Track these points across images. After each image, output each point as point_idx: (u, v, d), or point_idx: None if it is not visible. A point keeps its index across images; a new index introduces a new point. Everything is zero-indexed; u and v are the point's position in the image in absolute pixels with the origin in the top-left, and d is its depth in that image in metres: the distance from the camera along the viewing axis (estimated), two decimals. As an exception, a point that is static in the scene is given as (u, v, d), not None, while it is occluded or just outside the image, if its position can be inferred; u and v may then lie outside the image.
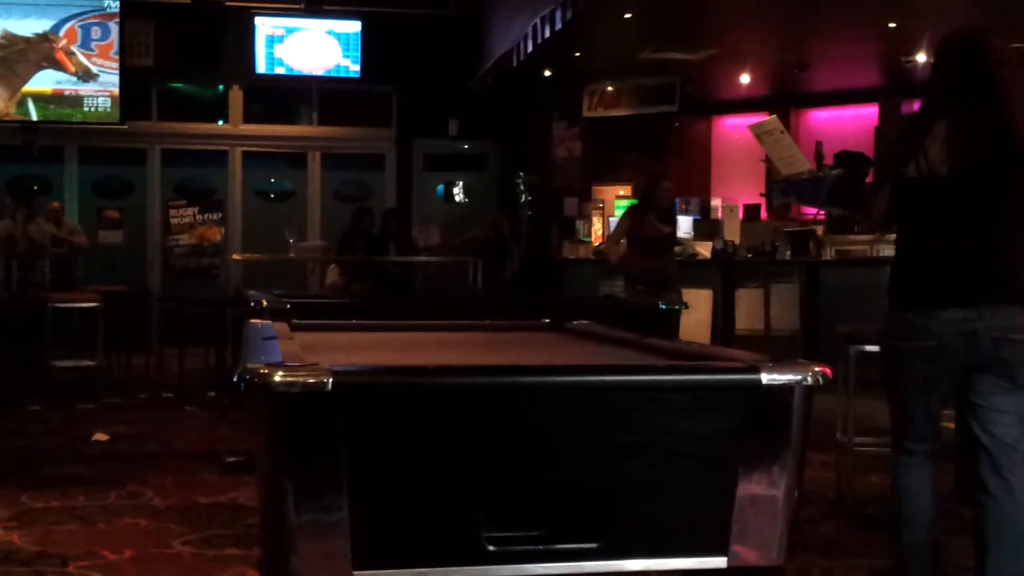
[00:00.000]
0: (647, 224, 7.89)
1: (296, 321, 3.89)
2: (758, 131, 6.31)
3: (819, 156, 10.14)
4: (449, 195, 14.81)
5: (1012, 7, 9.01)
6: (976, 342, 3.27)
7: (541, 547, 2.29)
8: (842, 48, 10.69)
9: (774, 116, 8.20)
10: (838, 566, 4.26)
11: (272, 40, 13.46)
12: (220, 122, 14.08)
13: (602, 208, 12.75)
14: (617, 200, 12.78)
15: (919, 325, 3.34)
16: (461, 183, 14.77)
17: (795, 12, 9.47)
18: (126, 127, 13.07)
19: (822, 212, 8.56)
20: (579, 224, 12.92)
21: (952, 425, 5.55)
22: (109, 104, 12.90)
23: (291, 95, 14.13)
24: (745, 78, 11.82)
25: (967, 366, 3.32)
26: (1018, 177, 3.23)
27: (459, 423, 2.27)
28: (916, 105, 9.99)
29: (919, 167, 3.33)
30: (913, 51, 10.26)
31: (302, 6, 13.53)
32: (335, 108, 14.11)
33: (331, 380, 2.16)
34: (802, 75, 11.37)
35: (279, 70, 13.53)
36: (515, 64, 11.12)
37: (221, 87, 14.02)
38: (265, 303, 4.97)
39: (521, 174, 13.83)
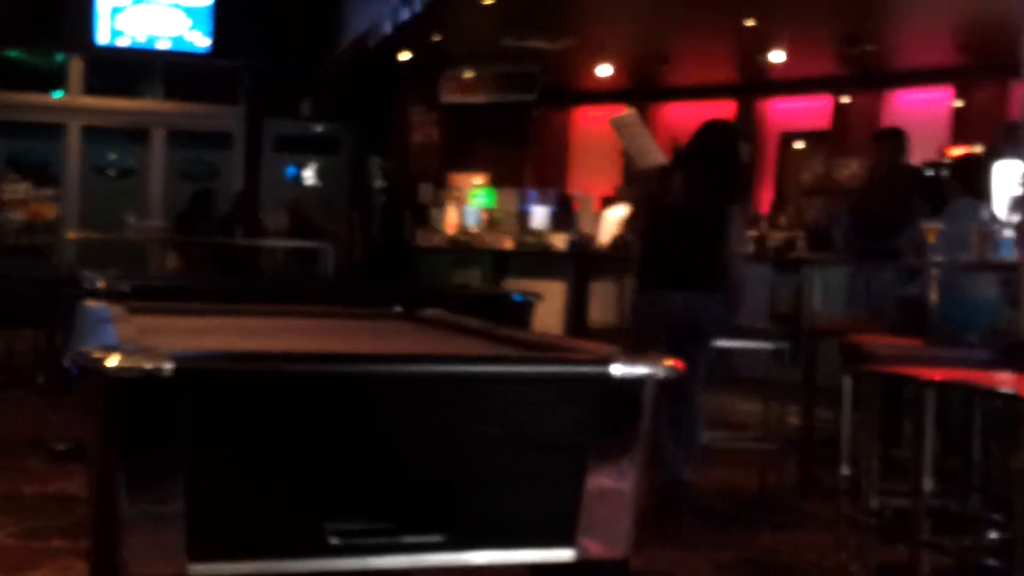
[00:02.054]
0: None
1: (134, 304, 3.74)
2: (617, 124, 6.37)
3: (676, 150, 10.31)
4: (300, 178, 14.55)
5: (859, 11, 9.35)
6: (683, 311, 4.90)
7: (385, 539, 2.25)
8: (701, 43, 10.89)
9: (633, 110, 8.31)
10: (684, 558, 4.31)
11: (116, 11, 12.98)
12: (58, 93, 13.51)
13: (458, 197, 12.71)
14: (472, 189, 12.77)
15: (654, 298, 5.01)
16: (313, 166, 14.54)
17: (654, 5, 9.60)
18: (-44, 95, 12.45)
19: None
20: (434, 212, 12.86)
21: (795, 420, 5.73)
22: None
23: (135, 67, 13.65)
24: (604, 69, 11.93)
25: (677, 327, 4.88)
26: (724, 214, 4.90)
27: (304, 412, 2.21)
28: (771, 102, 10.49)
29: (666, 199, 5.09)
30: (769, 49, 10.52)
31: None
32: (182, 83, 13.70)
33: (170, 365, 2.08)
34: (661, 69, 11.54)
35: (122, 42, 13.04)
36: (372, 46, 10.98)
37: (60, 56, 13.45)
38: (101, 284, 4.78)
39: (375, 158, 13.69)
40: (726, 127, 5.33)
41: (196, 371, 2.13)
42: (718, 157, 5.07)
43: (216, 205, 11.63)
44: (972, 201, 5.62)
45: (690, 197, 5.00)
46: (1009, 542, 3.35)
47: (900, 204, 5.97)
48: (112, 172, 14.01)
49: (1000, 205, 5.53)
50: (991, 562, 3.78)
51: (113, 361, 2.06)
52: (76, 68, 13.42)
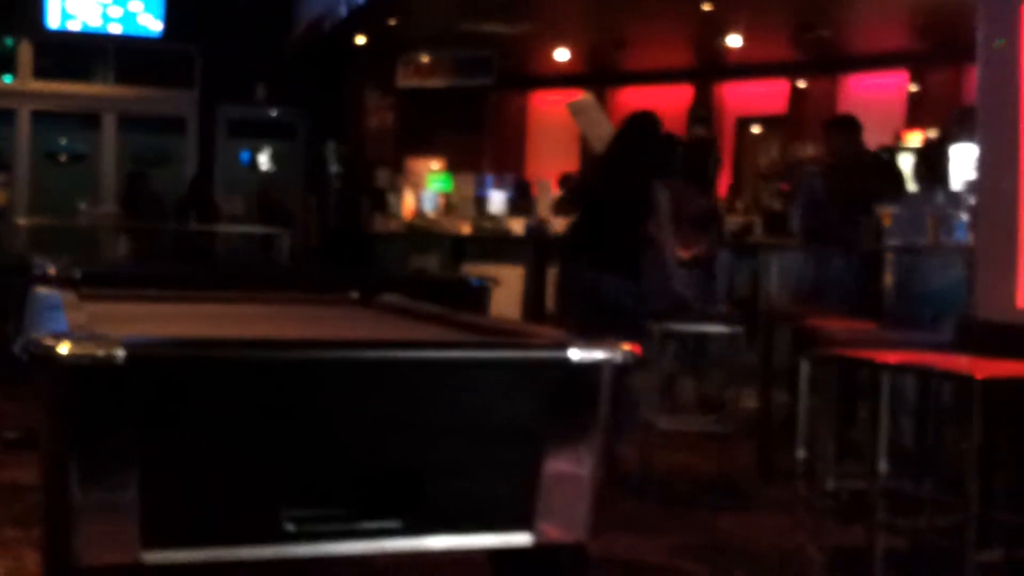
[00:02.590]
0: (690, 196, 6.64)
1: (85, 291, 3.69)
2: (574, 109, 6.38)
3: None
4: (255, 163, 14.42)
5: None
6: (603, 289, 5.21)
7: (342, 526, 2.24)
8: (658, 28, 10.90)
9: (590, 95, 8.30)
10: (642, 542, 4.31)
11: (67, -8, 12.81)
12: (7, 78, 13.29)
13: (415, 182, 12.64)
14: (429, 174, 12.70)
15: (578, 273, 5.33)
16: (268, 151, 14.41)
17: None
18: (-97, 79, 12.22)
19: None
20: (391, 197, 12.78)
21: (753, 404, 5.76)
22: None
23: (86, 51, 13.45)
24: (562, 54, 11.91)
25: (598, 302, 5.17)
26: (640, 206, 5.24)
27: (260, 399, 2.20)
28: (727, 86, 10.53)
29: (592, 190, 5.54)
30: (726, 33, 10.54)
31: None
32: (134, 67, 13.52)
33: (122, 352, 2.05)
34: (618, 53, 11.53)
35: (72, 25, 12.85)
36: (328, 29, 10.89)
37: (10, 40, 13.23)
38: (52, 270, 4.72)
39: (331, 143, 13.59)
40: (647, 118, 5.58)
41: (148, 358, 2.11)
42: (637, 148, 5.41)
43: (151, 185, 11.54)
44: (931, 186, 5.66)
45: (611, 184, 5.37)
46: (962, 523, 3.39)
47: (863, 191, 5.99)
48: (63, 157, 13.82)
49: (957, 188, 5.57)
50: (945, 543, 3.82)
51: (64, 348, 2.03)
52: (26, 52, 13.21)
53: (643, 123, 5.52)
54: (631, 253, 5.24)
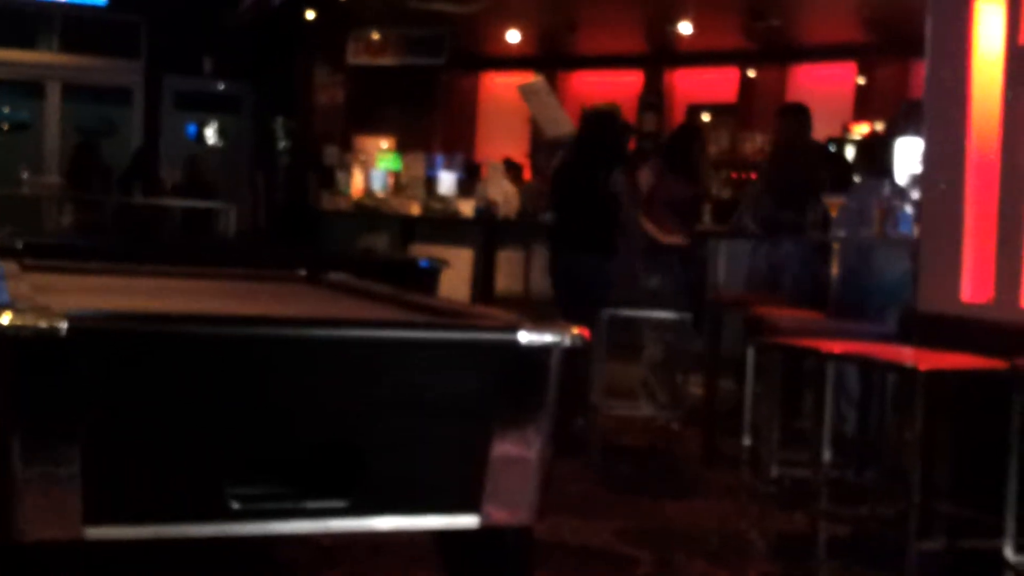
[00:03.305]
0: (671, 183, 6.40)
1: (28, 261, 3.63)
2: (526, 92, 6.39)
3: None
4: (201, 136, 14.25)
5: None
6: (581, 271, 5.66)
7: (287, 504, 2.23)
8: (609, 13, 10.90)
9: (541, 77, 8.29)
10: (587, 526, 4.33)
11: (11, -42, 12.58)
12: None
13: (364, 160, 12.55)
14: (379, 152, 12.62)
15: (562, 259, 5.87)
16: (214, 124, 14.24)
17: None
18: None
19: None
20: (339, 175, 12.68)
21: (700, 391, 5.80)
22: None
23: (31, 18, 13.21)
24: (513, 36, 11.88)
25: (578, 282, 5.65)
26: (602, 197, 5.75)
27: (205, 375, 2.18)
28: (678, 73, 10.59)
29: (560, 187, 6.08)
30: (677, 20, 10.57)
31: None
32: (79, 35, 13.30)
33: (65, 325, 2.02)
34: (570, 37, 11.52)
35: (17, -9, 12.65)
36: (277, 3, 10.77)
37: (-49, 4, 12.97)
38: (-8, 240, 4.64)
39: (279, 119, 13.46)
40: (606, 114, 6.14)
41: (91, 331, 2.08)
42: (596, 139, 5.88)
43: (100, 156, 11.37)
44: (876, 177, 5.71)
45: (576, 172, 5.88)
46: (904, 512, 3.43)
47: (805, 179, 6.04)
48: (5, 125, 13.59)
49: (902, 181, 5.64)
50: (887, 532, 3.87)
51: (6, 319, 2.01)
52: (-34, 17, 12.95)
53: (601, 121, 6.04)
54: (605, 235, 5.69)
